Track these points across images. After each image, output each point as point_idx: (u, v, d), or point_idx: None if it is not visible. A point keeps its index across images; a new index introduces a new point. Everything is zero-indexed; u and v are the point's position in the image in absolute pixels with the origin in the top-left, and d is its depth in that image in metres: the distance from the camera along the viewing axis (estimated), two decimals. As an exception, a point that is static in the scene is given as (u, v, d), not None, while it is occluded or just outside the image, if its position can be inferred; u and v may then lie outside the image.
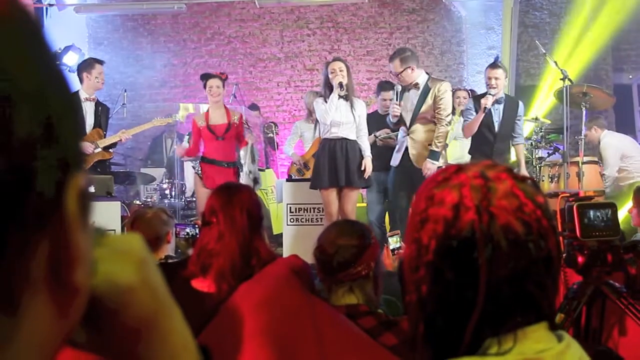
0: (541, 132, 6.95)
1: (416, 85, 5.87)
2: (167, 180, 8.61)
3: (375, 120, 6.58)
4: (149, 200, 8.27)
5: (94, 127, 6.53)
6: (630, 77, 10.09)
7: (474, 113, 6.09)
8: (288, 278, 2.17)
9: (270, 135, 8.64)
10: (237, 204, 2.48)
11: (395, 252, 2.90)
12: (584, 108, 6.44)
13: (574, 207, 2.42)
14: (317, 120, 5.96)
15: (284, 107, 10.82)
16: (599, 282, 2.43)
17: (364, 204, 6.84)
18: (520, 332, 0.99)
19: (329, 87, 5.67)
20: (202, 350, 0.68)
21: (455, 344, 1.00)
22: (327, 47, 10.83)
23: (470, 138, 6.39)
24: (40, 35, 0.44)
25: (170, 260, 3.24)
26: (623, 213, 5.72)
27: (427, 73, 6.04)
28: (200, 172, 6.44)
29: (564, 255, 2.51)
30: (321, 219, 6.07)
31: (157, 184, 8.55)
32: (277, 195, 8.00)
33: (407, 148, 5.86)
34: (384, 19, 10.90)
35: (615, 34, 9.39)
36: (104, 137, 6.60)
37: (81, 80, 6.53)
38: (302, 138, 7.80)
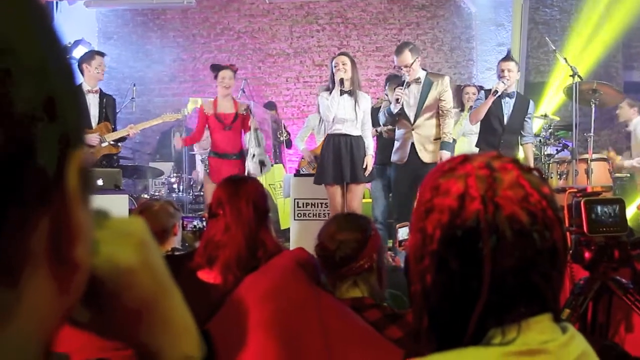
0: (550, 129, 6.93)
1: (417, 80, 5.88)
2: (175, 175, 8.63)
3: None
4: (157, 194, 8.30)
5: (100, 119, 6.54)
6: (641, 74, 10.04)
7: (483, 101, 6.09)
8: (294, 270, 2.18)
9: (281, 139, 8.65)
10: (243, 196, 2.49)
11: (403, 244, 2.88)
12: (593, 105, 6.42)
13: (582, 202, 2.41)
14: (321, 117, 5.95)
15: (292, 103, 10.83)
16: (606, 278, 2.42)
17: (369, 200, 6.83)
18: (524, 323, 0.99)
19: (333, 82, 5.68)
20: (203, 333, 0.68)
21: (459, 334, 1.00)
22: (337, 43, 10.82)
23: (478, 133, 6.37)
24: (43, 12, 0.45)
25: (176, 253, 3.25)
26: (632, 210, 5.71)
27: (423, 69, 6.05)
28: (207, 166, 6.47)
29: (571, 251, 2.51)
30: (328, 214, 6.07)
31: (166, 178, 8.58)
32: (285, 190, 8.01)
33: (412, 144, 5.86)
34: (393, 15, 10.88)
35: (626, 32, 9.34)
36: (112, 131, 6.59)
37: (82, 72, 6.52)
38: (314, 132, 7.80)
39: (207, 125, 6.53)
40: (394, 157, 6.04)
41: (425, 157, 5.77)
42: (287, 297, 2.08)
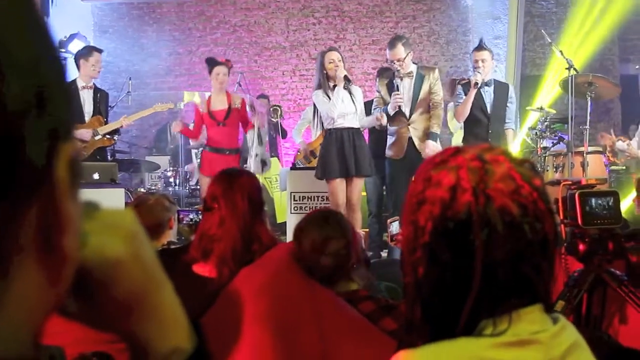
0: (546, 121, 6.91)
1: (409, 74, 5.90)
2: (171, 168, 8.63)
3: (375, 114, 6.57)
4: (153, 187, 8.29)
5: (93, 115, 6.51)
6: (637, 67, 10.03)
7: (465, 97, 6.07)
8: (289, 263, 2.18)
9: (275, 119, 8.60)
10: (238, 190, 2.49)
11: (395, 238, 2.88)
12: (589, 98, 6.42)
13: (576, 195, 2.42)
14: (315, 111, 5.91)
15: (289, 96, 10.81)
16: (600, 270, 2.43)
17: (364, 193, 6.84)
18: (515, 314, 1.00)
19: (324, 77, 5.68)
20: (194, 325, 0.68)
21: (452, 325, 1.01)
22: (333, 36, 10.80)
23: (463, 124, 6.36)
24: (33, 6, 0.45)
25: (172, 246, 3.25)
26: (628, 202, 5.73)
27: (414, 62, 6.06)
28: (199, 159, 6.51)
29: (565, 243, 2.52)
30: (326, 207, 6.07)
31: (162, 172, 8.57)
32: (281, 184, 8.01)
33: (410, 138, 5.87)
34: (389, 8, 10.86)
35: (622, 24, 9.35)
36: (105, 124, 6.57)
37: (78, 67, 6.52)
38: (311, 125, 7.78)
39: (203, 123, 6.58)
40: (388, 152, 6.04)
41: (423, 151, 5.77)
42: (282, 290, 2.09)
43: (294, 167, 7.49)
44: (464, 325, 1.00)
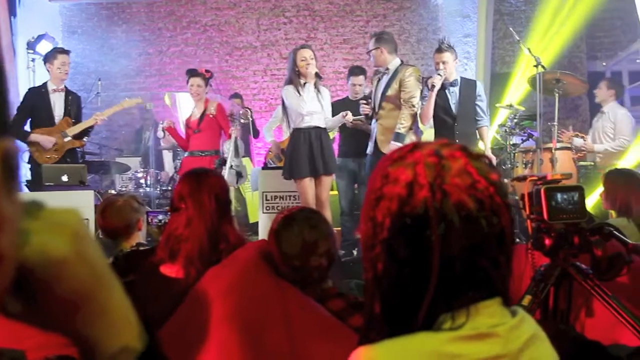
0: (515, 118, 6.99)
1: (387, 70, 5.93)
2: (142, 169, 8.56)
3: (347, 106, 6.51)
4: (123, 189, 8.22)
5: (63, 118, 6.45)
6: (604, 64, 10.17)
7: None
8: (257, 263, 2.18)
9: (245, 121, 8.57)
10: (205, 189, 2.48)
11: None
12: (557, 94, 6.50)
13: (542, 190, 2.44)
14: (285, 109, 5.91)
15: (260, 96, 10.78)
16: (566, 264, 2.45)
17: (335, 192, 6.84)
18: (473, 308, 1.00)
19: (296, 74, 5.68)
20: (145, 324, 0.68)
21: (411, 320, 1.01)
22: (304, 36, 10.80)
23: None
24: None
25: (141, 248, 3.23)
26: (595, 197, 5.80)
27: (401, 60, 6.06)
28: (179, 166, 6.59)
29: (532, 238, 2.54)
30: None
31: (132, 173, 8.50)
32: (253, 184, 7.98)
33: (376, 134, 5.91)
34: (360, 7, 10.88)
35: (590, 22, 9.45)
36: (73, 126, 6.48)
37: (48, 71, 6.52)
38: (282, 123, 7.77)
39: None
40: (368, 149, 6.07)
41: (385, 148, 5.71)
42: (249, 290, 2.09)
43: (265, 167, 7.48)
44: (423, 320, 1.00)
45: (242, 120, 8.21)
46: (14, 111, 6.27)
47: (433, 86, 5.84)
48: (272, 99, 10.66)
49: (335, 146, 6.76)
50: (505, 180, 6.50)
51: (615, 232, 2.42)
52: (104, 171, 8.25)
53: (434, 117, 6.09)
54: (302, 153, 5.65)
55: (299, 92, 5.64)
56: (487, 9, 9.71)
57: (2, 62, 0.49)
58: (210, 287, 2.07)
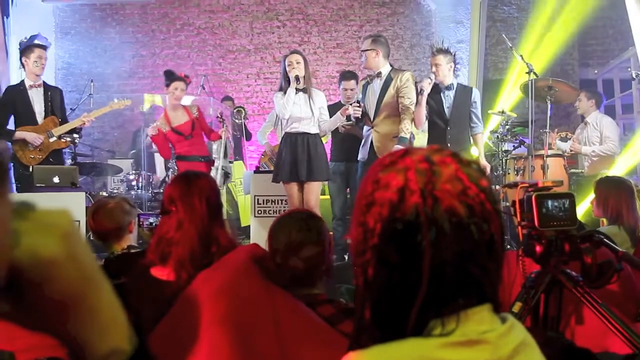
0: (507, 125, 7.01)
1: (379, 75, 5.92)
2: (134, 172, 8.54)
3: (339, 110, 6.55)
4: (115, 191, 8.21)
5: (46, 114, 6.34)
6: (596, 72, 10.21)
7: None
8: (247, 266, 2.18)
9: (239, 120, 8.56)
10: (196, 192, 2.47)
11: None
12: (549, 101, 6.52)
13: (533, 197, 2.45)
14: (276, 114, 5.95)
15: (253, 99, 10.79)
16: (556, 271, 2.46)
17: (327, 197, 6.84)
18: (463, 314, 1.00)
19: (286, 80, 5.66)
20: (135, 327, 0.68)
21: (401, 326, 1.01)
22: (297, 39, 10.82)
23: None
24: None
25: (132, 250, 3.22)
26: (586, 204, 5.82)
27: (390, 65, 6.05)
28: (175, 170, 6.47)
29: (523, 245, 2.54)
30: (288, 211, 6.06)
31: (124, 175, 8.48)
32: (245, 187, 7.98)
33: (372, 142, 5.87)
34: (354, 12, 10.92)
35: (582, 30, 9.51)
36: (60, 125, 6.39)
37: (23, 67, 6.38)
38: (276, 128, 7.77)
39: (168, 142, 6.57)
40: (359, 155, 6.05)
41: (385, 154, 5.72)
42: (240, 294, 2.08)
43: (257, 170, 7.47)
44: (413, 326, 1.00)
45: (236, 120, 8.20)
46: None
47: (422, 90, 5.82)
48: (264, 102, 10.67)
49: (327, 150, 6.75)
50: (497, 187, 6.52)
51: (605, 239, 2.43)
52: (96, 173, 8.23)
53: (428, 120, 6.09)
54: (286, 158, 5.64)
55: (283, 97, 5.63)
56: (480, 16, 9.75)
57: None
58: (201, 290, 2.06)
